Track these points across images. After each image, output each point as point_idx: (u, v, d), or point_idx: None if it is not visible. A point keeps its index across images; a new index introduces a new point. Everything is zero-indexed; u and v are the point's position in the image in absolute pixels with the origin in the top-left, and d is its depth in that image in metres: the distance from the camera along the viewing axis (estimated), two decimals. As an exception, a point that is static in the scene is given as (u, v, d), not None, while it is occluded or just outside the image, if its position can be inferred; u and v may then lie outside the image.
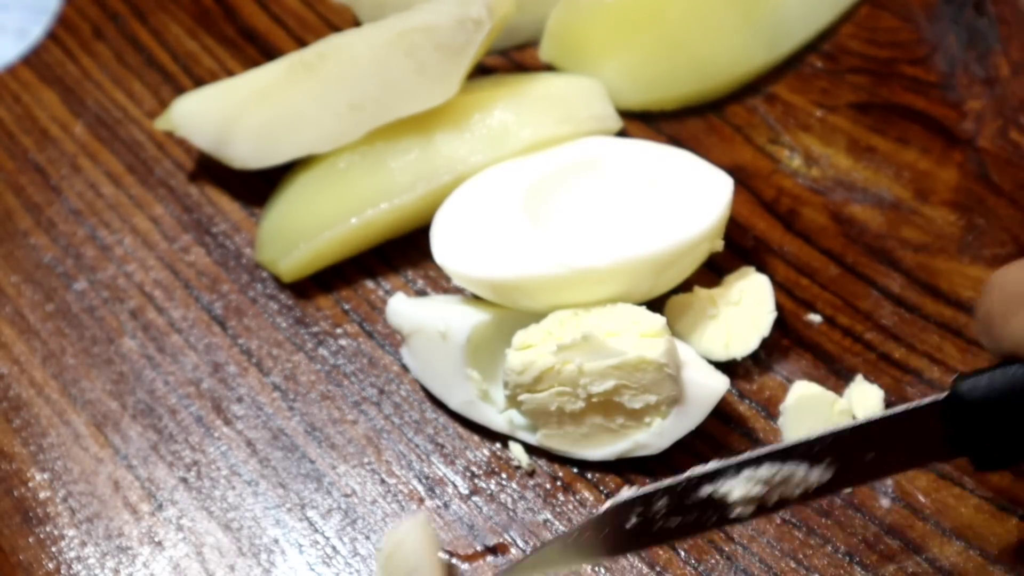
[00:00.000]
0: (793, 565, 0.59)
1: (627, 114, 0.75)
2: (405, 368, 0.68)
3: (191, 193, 0.76)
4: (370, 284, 0.71)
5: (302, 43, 0.81)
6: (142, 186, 0.77)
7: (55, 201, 0.77)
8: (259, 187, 0.75)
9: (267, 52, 0.81)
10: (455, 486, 0.64)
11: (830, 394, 0.63)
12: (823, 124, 0.74)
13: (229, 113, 0.73)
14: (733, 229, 0.70)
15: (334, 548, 0.62)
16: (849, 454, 0.51)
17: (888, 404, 0.63)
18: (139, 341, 0.70)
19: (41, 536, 0.64)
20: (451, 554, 0.61)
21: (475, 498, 0.63)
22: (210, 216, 0.75)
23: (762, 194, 0.72)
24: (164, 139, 0.78)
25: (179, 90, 0.80)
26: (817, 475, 0.51)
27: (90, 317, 0.71)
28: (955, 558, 0.58)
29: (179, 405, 0.68)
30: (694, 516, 0.51)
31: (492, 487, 0.63)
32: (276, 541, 0.63)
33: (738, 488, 0.51)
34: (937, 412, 0.52)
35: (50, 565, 0.63)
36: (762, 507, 0.52)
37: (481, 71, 0.78)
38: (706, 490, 0.51)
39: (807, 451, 0.51)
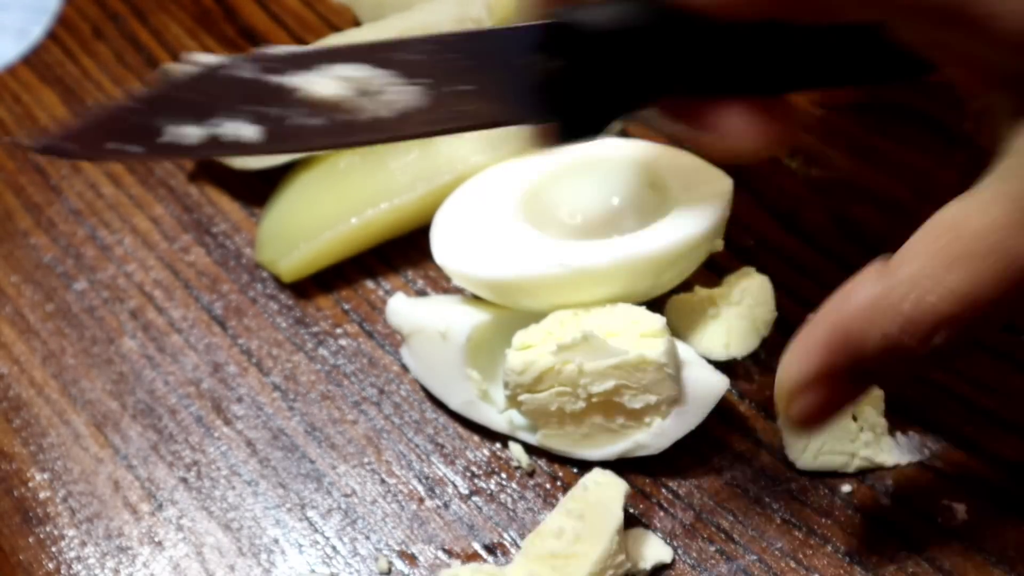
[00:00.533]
0: (793, 565, 0.59)
1: (627, 114, 0.75)
2: (405, 368, 0.68)
3: (191, 193, 0.76)
4: (370, 284, 0.71)
5: (302, 43, 0.81)
6: (142, 186, 0.77)
7: (55, 201, 0.77)
8: (259, 187, 0.75)
9: (267, 52, 0.81)
10: (455, 486, 0.64)
11: None
12: (823, 124, 0.74)
13: (229, 113, 0.73)
14: (733, 229, 0.70)
15: (334, 548, 0.62)
16: (442, 73, 0.46)
17: (888, 404, 0.63)
18: (139, 341, 0.70)
19: (41, 536, 0.64)
20: (450, 553, 0.61)
21: (475, 498, 0.63)
22: (210, 216, 0.75)
23: (762, 194, 0.72)
24: (164, 139, 0.78)
25: (179, 90, 0.80)
26: (411, 95, 0.46)
27: (90, 317, 0.72)
28: (955, 558, 0.58)
29: (179, 405, 0.68)
30: (274, 112, 0.46)
31: (492, 487, 0.63)
32: (276, 541, 0.63)
33: (319, 84, 0.46)
34: (537, 40, 0.46)
35: (50, 565, 0.63)
36: (352, 126, 0.46)
37: (481, 71, 0.78)
38: (284, 80, 0.46)
39: (398, 55, 0.46)
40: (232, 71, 0.46)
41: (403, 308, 0.66)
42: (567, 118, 0.48)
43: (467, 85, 0.47)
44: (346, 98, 0.46)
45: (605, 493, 0.58)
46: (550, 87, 0.47)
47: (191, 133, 0.46)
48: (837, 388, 0.49)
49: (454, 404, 0.65)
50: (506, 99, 0.47)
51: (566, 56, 0.46)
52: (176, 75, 0.45)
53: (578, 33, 0.44)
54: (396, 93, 0.46)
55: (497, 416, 0.64)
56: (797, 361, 0.49)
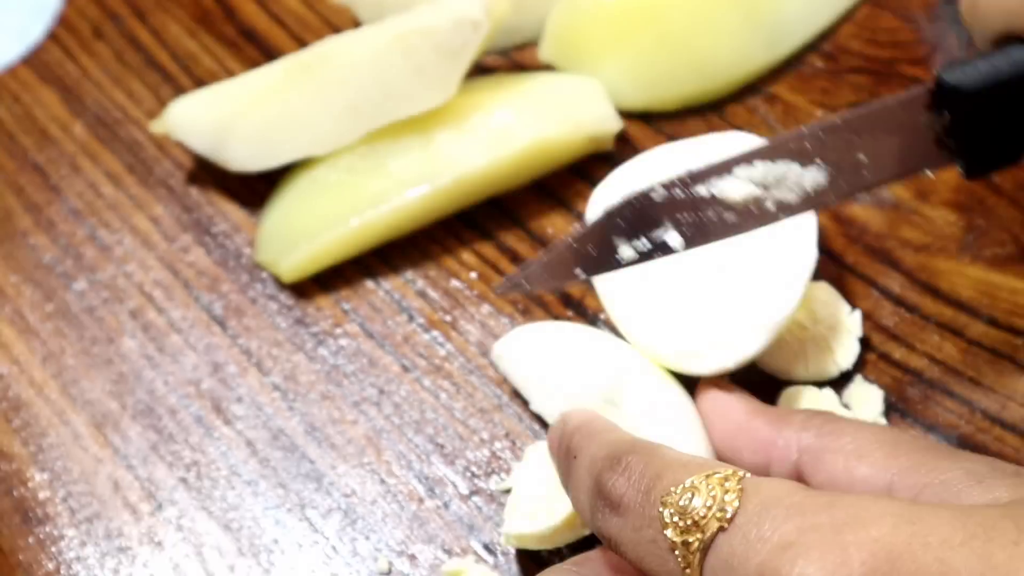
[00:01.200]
0: (793, 565, 0.59)
1: (627, 114, 0.75)
2: (405, 368, 0.68)
3: (191, 193, 0.76)
4: (370, 284, 0.71)
5: (302, 43, 0.81)
6: (142, 186, 0.77)
7: (55, 201, 0.77)
8: (259, 187, 0.75)
9: (267, 52, 0.81)
10: (455, 486, 0.64)
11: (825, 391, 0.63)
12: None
13: (225, 116, 0.73)
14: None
15: (334, 548, 0.62)
16: (838, 152, 0.49)
17: (889, 405, 0.63)
18: (139, 341, 0.70)
19: (41, 536, 0.64)
20: (450, 553, 0.61)
21: (475, 498, 0.63)
22: (210, 216, 0.75)
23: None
24: (164, 139, 0.78)
25: (179, 90, 0.80)
26: (812, 177, 0.50)
27: (90, 317, 0.71)
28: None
29: (179, 405, 0.68)
30: (691, 219, 0.50)
31: (492, 487, 0.63)
32: (276, 541, 0.63)
33: (731, 188, 0.50)
34: (923, 103, 0.49)
35: (50, 565, 0.63)
36: (762, 213, 0.50)
37: (481, 71, 0.78)
38: (701, 190, 0.50)
39: (797, 146, 0.49)
40: (655, 193, 0.51)
41: (516, 351, 0.64)
42: (970, 159, 0.50)
43: (863, 154, 0.50)
44: (755, 194, 0.50)
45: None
46: (944, 140, 0.50)
47: (626, 251, 0.51)
48: None
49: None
50: (903, 157, 0.51)
51: (953, 112, 0.48)
52: (612, 203, 0.51)
53: (961, 92, 0.47)
54: (797, 177, 0.50)
55: None
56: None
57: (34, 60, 0.84)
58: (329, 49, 0.72)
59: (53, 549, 0.63)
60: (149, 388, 0.68)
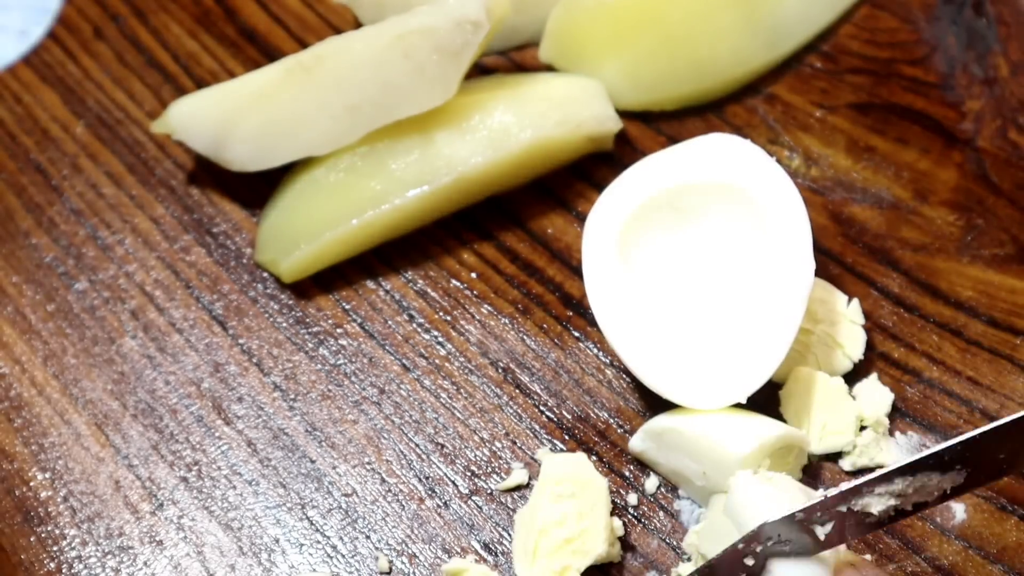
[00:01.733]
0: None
1: (627, 114, 0.75)
2: (405, 368, 0.68)
3: (192, 193, 0.76)
4: (370, 284, 0.71)
5: (302, 43, 0.81)
6: (143, 186, 0.77)
7: (56, 201, 0.77)
8: (260, 188, 0.75)
9: (267, 52, 0.82)
10: (455, 486, 0.64)
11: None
12: (823, 124, 0.74)
13: (227, 116, 0.73)
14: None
15: (334, 547, 0.62)
16: (980, 457, 0.52)
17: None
18: (140, 341, 0.70)
19: (42, 535, 0.64)
20: (450, 552, 0.62)
21: (475, 498, 0.63)
22: (211, 216, 0.75)
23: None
24: (165, 139, 0.78)
25: (180, 90, 0.80)
26: (951, 479, 0.53)
27: (91, 317, 0.72)
28: (955, 558, 0.59)
29: (180, 405, 0.68)
30: (835, 527, 0.53)
31: (492, 487, 0.63)
32: (277, 540, 0.63)
33: (875, 504, 0.53)
34: None
35: (51, 564, 0.63)
36: (901, 511, 0.53)
37: (481, 71, 0.78)
38: (842, 509, 0.53)
39: (938, 462, 0.52)
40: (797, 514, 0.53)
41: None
42: None
43: (1003, 454, 0.53)
44: (894, 505, 0.53)
45: (572, 467, 0.60)
46: None
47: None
48: None
49: None
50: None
51: None
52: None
53: None
54: (938, 482, 0.53)
55: None
56: None
57: (35, 60, 0.84)
58: (329, 49, 0.72)
59: (54, 548, 0.64)
60: (150, 388, 0.69)
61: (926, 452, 0.52)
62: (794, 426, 0.62)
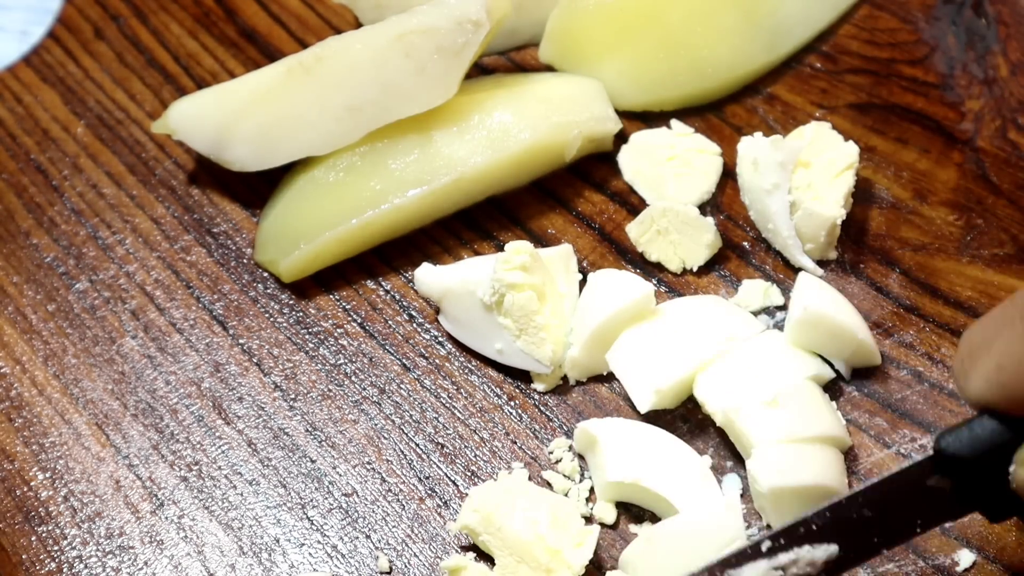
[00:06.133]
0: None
1: (627, 114, 0.75)
2: (405, 367, 0.68)
3: (192, 193, 0.76)
4: (370, 284, 0.72)
5: (302, 44, 0.81)
6: (143, 186, 0.77)
7: (56, 201, 0.77)
8: (260, 187, 0.75)
9: (268, 53, 0.82)
10: (455, 486, 0.64)
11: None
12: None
13: (227, 116, 0.73)
14: (732, 228, 0.71)
15: (334, 547, 0.63)
16: (851, 527, 0.52)
17: (888, 404, 0.63)
18: (140, 341, 0.70)
19: (42, 535, 0.64)
20: (450, 552, 0.62)
21: (475, 497, 0.63)
22: (211, 216, 0.75)
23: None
24: (165, 139, 0.78)
25: (180, 90, 0.80)
26: (824, 551, 0.52)
27: (91, 317, 0.72)
28: (955, 558, 0.59)
29: (180, 405, 0.68)
30: None
31: (492, 486, 0.63)
32: (277, 540, 0.63)
33: (753, 572, 0.52)
34: (927, 470, 0.52)
35: (51, 564, 0.63)
36: None
37: (481, 71, 0.78)
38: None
39: (807, 531, 0.52)
40: None
41: (429, 276, 0.67)
42: (988, 508, 0.53)
43: (875, 527, 0.53)
44: None
45: None
46: (956, 495, 0.53)
47: None
48: None
49: (491, 353, 0.66)
50: (918, 517, 0.54)
51: (952, 477, 0.53)
52: None
53: (956, 458, 0.52)
54: (810, 556, 0.53)
55: (532, 361, 0.65)
56: None
57: (36, 60, 0.84)
58: (329, 49, 0.72)
59: (55, 548, 0.64)
60: (150, 388, 0.69)
61: (790, 521, 0.52)
62: None
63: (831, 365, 0.64)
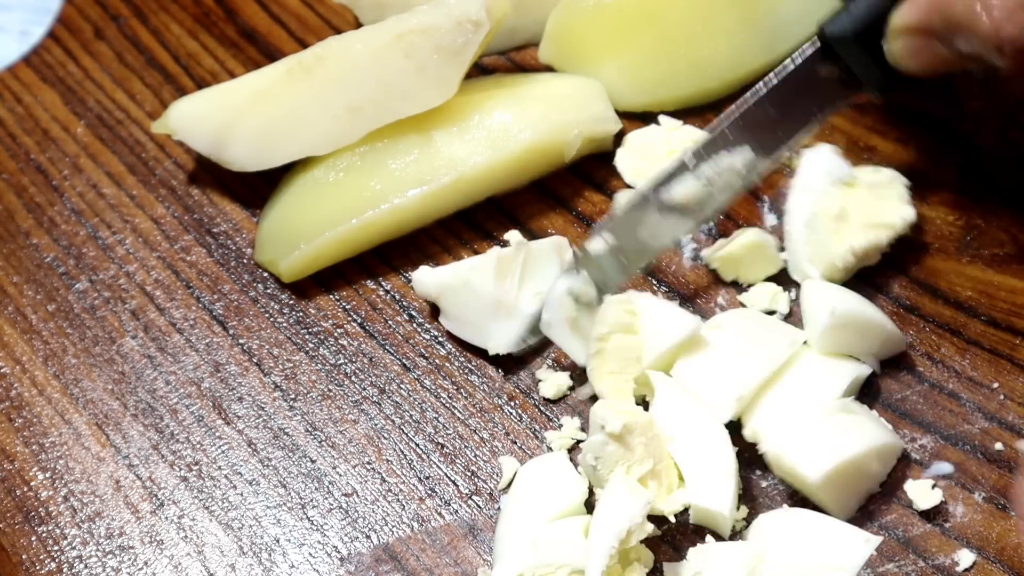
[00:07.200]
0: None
1: (627, 115, 0.75)
2: (405, 367, 0.68)
3: (192, 193, 0.76)
4: (370, 284, 0.72)
5: (302, 44, 0.81)
6: (143, 186, 0.77)
7: (56, 201, 0.77)
8: (260, 187, 0.75)
9: (268, 52, 0.82)
10: (455, 486, 0.64)
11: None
12: (823, 124, 0.74)
13: (227, 116, 0.73)
14: (731, 227, 0.71)
15: (334, 547, 0.63)
16: (759, 127, 0.60)
17: (888, 404, 0.63)
18: (140, 341, 0.70)
19: (42, 535, 0.64)
20: (451, 552, 0.62)
21: (475, 498, 0.63)
22: (211, 216, 0.75)
23: (762, 194, 0.72)
24: (165, 139, 0.78)
25: (180, 90, 0.80)
26: (742, 157, 0.60)
27: (91, 317, 0.72)
28: (955, 558, 0.59)
29: (180, 405, 0.68)
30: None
31: (492, 487, 0.63)
32: (277, 540, 0.63)
33: (683, 188, 0.61)
34: (817, 59, 0.60)
35: (51, 564, 0.63)
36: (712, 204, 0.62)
37: (481, 71, 0.78)
38: (665, 195, 0.62)
39: (723, 138, 0.60)
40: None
41: (427, 277, 0.68)
42: (877, 84, 0.61)
43: (777, 127, 0.63)
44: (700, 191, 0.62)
45: None
46: (847, 78, 0.63)
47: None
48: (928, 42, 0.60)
49: (492, 346, 0.67)
50: (817, 105, 0.63)
51: (838, 63, 0.62)
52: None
53: (839, 39, 0.60)
54: (730, 162, 0.62)
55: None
56: (905, 14, 0.61)
57: (36, 60, 0.84)
58: (329, 49, 0.72)
59: (55, 548, 0.64)
60: (150, 388, 0.69)
61: (707, 130, 0.60)
62: None
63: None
